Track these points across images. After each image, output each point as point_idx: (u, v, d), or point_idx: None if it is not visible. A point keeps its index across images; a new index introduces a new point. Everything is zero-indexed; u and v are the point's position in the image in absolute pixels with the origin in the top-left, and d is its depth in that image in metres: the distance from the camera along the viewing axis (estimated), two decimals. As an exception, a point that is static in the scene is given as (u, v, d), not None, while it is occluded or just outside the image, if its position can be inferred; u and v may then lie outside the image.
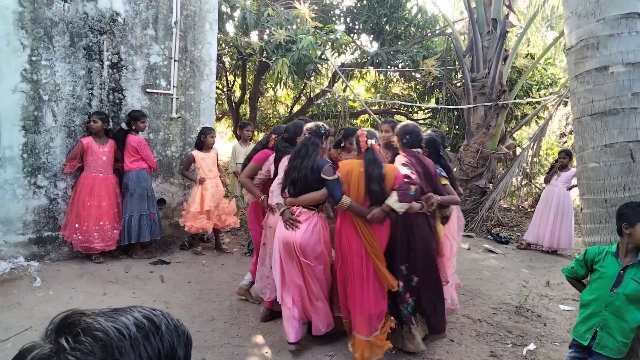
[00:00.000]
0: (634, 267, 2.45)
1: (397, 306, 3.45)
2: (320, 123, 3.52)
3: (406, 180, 3.15)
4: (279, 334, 3.65)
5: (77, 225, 4.90)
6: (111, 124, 5.26)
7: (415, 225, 3.40)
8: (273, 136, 3.95)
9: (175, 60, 5.69)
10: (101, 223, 4.99)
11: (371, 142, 3.25)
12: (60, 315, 0.67)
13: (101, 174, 5.05)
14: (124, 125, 5.22)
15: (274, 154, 3.83)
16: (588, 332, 2.58)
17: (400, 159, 3.44)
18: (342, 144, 4.56)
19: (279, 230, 3.41)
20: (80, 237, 4.90)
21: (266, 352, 3.41)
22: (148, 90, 5.56)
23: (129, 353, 0.63)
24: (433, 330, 3.54)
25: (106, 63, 5.23)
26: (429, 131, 4.16)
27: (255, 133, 11.10)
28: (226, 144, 13.38)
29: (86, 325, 0.64)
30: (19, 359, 0.64)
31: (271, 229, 3.71)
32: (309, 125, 3.48)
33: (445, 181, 3.72)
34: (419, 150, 3.60)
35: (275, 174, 3.72)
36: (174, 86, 5.72)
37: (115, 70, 5.31)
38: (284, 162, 3.55)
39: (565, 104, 8.68)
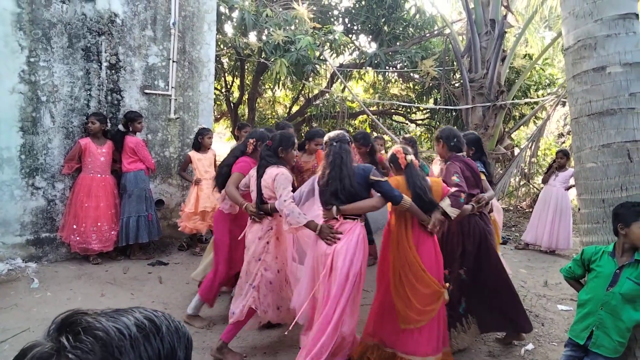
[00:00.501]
0: (630, 266, 2.46)
1: (452, 307, 3.43)
2: (340, 131, 3.34)
3: (456, 189, 3.19)
4: (277, 336, 3.65)
5: (75, 226, 4.90)
6: (109, 125, 5.26)
7: (470, 228, 3.49)
8: (251, 140, 3.65)
9: (173, 61, 5.69)
10: (99, 224, 4.99)
11: (410, 157, 3.21)
12: (62, 314, 0.68)
13: (99, 175, 5.05)
14: (121, 126, 5.22)
15: (256, 165, 3.40)
16: (584, 331, 2.58)
17: (451, 166, 3.39)
18: (306, 146, 4.57)
19: (318, 248, 3.08)
20: (78, 238, 4.90)
21: (264, 353, 3.41)
22: (146, 91, 5.56)
23: (128, 353, 0.63)
24: (521, 328, 3.66)
25: (104, 64, 5.23)
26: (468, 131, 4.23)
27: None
28: (225, 145, 13.37)
29: (87, 324, 0.64)
30: (20, 357, 0.64)
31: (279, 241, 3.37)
32: (333, 134, 3.22)
33: (483, 177, 3.78)
34: (464, 153, 3.63)
35: (259, 187, 3.28)
36: (172, 87, 5.72)
37: (113, 71, 5.30)
38: (275, 175, 3.15)
39: (563, 104, 8.69)
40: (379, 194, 3.07)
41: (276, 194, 3.11)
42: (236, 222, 3.72)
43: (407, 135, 6.12)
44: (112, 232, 5.11)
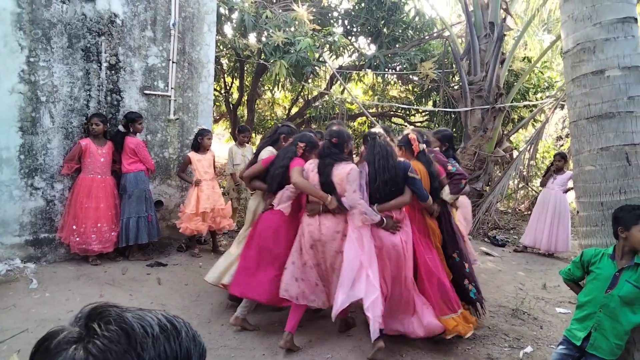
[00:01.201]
0: (630, 269, 2.47)
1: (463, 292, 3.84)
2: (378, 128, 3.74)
3: (458, 175, 3.85)
4: (276, 337, 3.65)
5: (74, 227, 4.89)
6: (109, 125, 5.25)
7: (446, 215, 3.88)
8: (301, 144, 3.64)
9: (173, 62, 5.70)
10: (99, 225, 4.98)
11: (422, 146, 3.62)
12: (90, 305, 0.71)
13: (99, 176, 5.04)
14: (121, 127, 5.21)
15: (317, 161, 3.47)
16: (582, 332, 2.60)
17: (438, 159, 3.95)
18: (283, 141, 4.64)
19: (385, 239, 3.32)
20: (77, 239, 4.89)
21: (263, 354, 3.41)
22: (146, 91, 5.56)
23: (149, 350, 0.66)
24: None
25: (104, 64, 5.23)
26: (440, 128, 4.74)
27: (253, 135, 11.09)
28: (224, 146, 13.37)
29: (116, 316, 0.68)
30: (44, 341, 0.67)
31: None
32: (377, 129, 3.62)
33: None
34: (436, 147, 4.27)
35: (326, 183, 3.37)
36: (171, 88, 5.72)
37: (113, 71, 5.31)
38: (349, 170, 3.29)
39: (562, 107, 8.72)
40: (409, 191, 3.41)
41: (347, 190, 3.27)
42: (292, 222, 3.67)
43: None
44: (112, 233, 5.10)
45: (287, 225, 3.65)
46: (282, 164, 3.67)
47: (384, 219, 3.30)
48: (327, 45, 8.12)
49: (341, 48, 8.78)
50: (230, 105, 11.68)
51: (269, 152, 4.14)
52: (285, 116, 12.34)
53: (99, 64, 5.19)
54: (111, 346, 0.63)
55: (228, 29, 8.39)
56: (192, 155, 5.51)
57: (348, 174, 3.27)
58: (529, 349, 3.75)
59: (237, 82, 11.38)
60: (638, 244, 2.43)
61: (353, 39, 10.15)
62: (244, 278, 3.66)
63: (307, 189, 3.41)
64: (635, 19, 2.65)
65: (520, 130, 10.91)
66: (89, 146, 4.96)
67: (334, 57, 9.26)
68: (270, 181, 3.73)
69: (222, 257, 4.18)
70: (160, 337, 0.68)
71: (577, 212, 2.93)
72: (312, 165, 3.49)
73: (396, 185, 3.36)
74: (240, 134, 6.72)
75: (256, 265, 3.65)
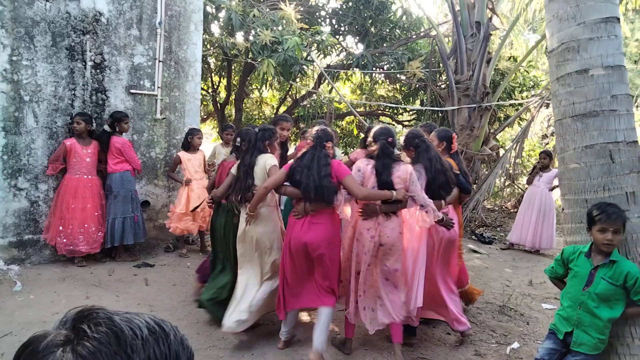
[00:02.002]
0: (605, 266, 2.50)
1: None
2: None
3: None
4: (264, 337, 3.64)
5: (61, 228, 4.82)
6: (94, 125, 5.19)
7: None
8: (329, 144, 3.39)
9: (159, 61, 5.64)
10: (86, 225, 4.92)
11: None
12: (77, 308, 0.70)
13: (85, 176, 4.98)
14: (107, 126, 5.15)
15: (371, 161, 3.33)
16: (565, 327, 2.64)
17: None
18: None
19: (444, 234, 3.59)
20: (64, 240, 4.82)
21: (252, 354, 3.40)
22: (132, 91, 5.50)
23: (139, 352, 0.65)
24: None
25: (89, 63, 5.16)
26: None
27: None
28: (211, 145, 13.27)
29: (105, 318, 0.67)
30: (27, 346, 0.65)
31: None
32: (415, 132, 3.71)
33: None
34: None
35: (386, 183, 3.26)
36: (158, 87, 5.67)
37: (98, 70, 5.24)
38: (411, 171, 3.28)
39: (547, 105, 8.83)
40: (457, 187, 3.76)
41: (412, 190, 3.25)
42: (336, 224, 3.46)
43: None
44: (99, 234, 5.04)
45: (337, 229, 3.44)
46: (325, 172, 3.23)
47: (444, 216, 3.44)
48: (315, 44, 8.11)
49: (329, 47, 8.77)
50: (218, 104, 11.61)
51: (273, 158, 3.64)
52: (273, 115, 12.31)
53: (83, 63, 5.12)
54: (101, 348, 0.62)
55: (215, 28, 8.34)
56: (182, 154, 5.48)
57: (411, 174, 3.24)
58: (515, 345, 3.79)
59: (224, 81, 11.32)
60: (599, 244, 2.49)
61: (341, 38, 10.16)
62: (293, 295, 3.40)
63: (374, 196, 3.23)
64: (618, 19, 2.69)
65: (507, 128, 11.03)
66: (74, 146, 4.90)
67: (321, 56, 9.26)
68: (320, 192, 3.21)
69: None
70: (149, 339, 0.67)
71: (563, 209, 2.97)
72: (368, 166, 3.31)
73: (446, 185, 3.56)
74: (224, 131, 6.69)
75: (305, 278, 3.40)
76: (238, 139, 3.76)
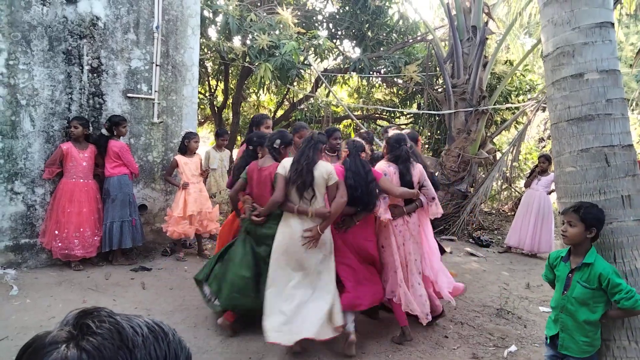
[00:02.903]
0: (580, 270, 2.50)
1: None
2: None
3: None
4: (262, 341, 3.63)
5: (57, 232, 4.81)
6: (91, 129, 5.19)
7: None
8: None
9: (156, 65, 5.65)
10: (82, 229, 4.91)
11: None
12: (79, 308, 0.72)
13: (81, 180, 4.98)
14: (104, 130, 5.15)
15: (393, 165, 3.77)
16: (551, 331, 2.66)
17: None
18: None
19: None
20: (60, 244, 4.81)
21: (249, 358, 3.39)
22: (129, 95, 5.50)
23: (141, 348, 0.67)
24: None
25: (86, 67, 5.16)
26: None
27: (238, 138, 11.05)
28: (203, 149, 13.27)
29: (107, 315, 0.69)
30: (30, 345, 0.66)
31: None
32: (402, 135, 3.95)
33: None
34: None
35: (409, 183, 3.76)
36: (155, 91, 5.68)
37: (95, 74, 5.24)
38: (420, 169, 3.84)
39: (544, 109, 8.85)
40: None
41: (426, 185, 3.80)
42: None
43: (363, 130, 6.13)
44: (95, 238, 5.03)
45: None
46: (369, 178, 3.52)
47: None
48: (312, 49, 8.14)
49: (326, 51, 8.80)
50: (215, 108, 11.62)
51: (333, 170, 3.56)
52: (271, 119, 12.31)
53: (80, 67, 5.13)
54: (105, 343, 0.64)
55: (212, 32, 8.36)
56: (179, 158, 5.48)
57: (423, 173, 3.79)
58: (513, 348, 3.80)
59: (222, 85, 11.33)
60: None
61: (338, 42, 10.20)
62: (355, 292, 3.54)
63: (407, 194, 3.72)
64: (612, 24, 2.71)
65: (503, 132, 11.07)
66: (70, 150, 4.89)
67: (318, 60, 9.29)
68: (364, 199, 3.51)
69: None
70: (149, 337, 0.69)
71: (559, 212, 2.98)
72: (390, 168, 3.72)
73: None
74: (219, 137, 6.69)
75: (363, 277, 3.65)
76: (278, 141, 3.64)
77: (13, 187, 4.80)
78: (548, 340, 2.70)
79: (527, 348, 3.85)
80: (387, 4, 9.42)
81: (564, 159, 2.80)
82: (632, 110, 11.81)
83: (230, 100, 11.04)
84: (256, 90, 11.37)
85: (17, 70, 4.71)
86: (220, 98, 11.76)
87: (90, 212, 5.01)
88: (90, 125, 5.17)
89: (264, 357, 3.40)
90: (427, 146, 10.77)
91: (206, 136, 15.99)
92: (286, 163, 3.42)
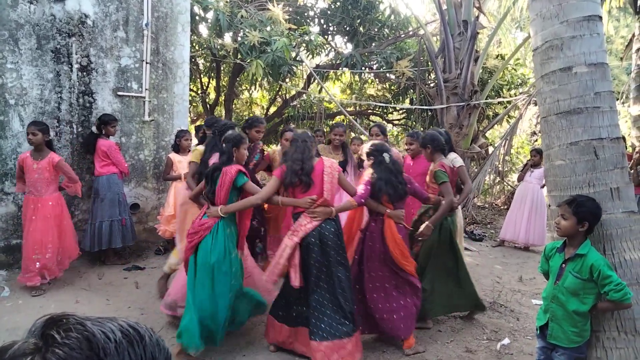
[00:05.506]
0: (573, 260, 2.53)
1: None
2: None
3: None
4: (257, 339, 3.64)
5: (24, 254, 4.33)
6: (81, 128, 5.15)
7: None
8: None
9: (147, 63, 5.61)
10: (40, 251, 4.28)
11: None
12: (46, 315, 0.68)
13: (33, 196, 4.33)
14: (94, 128, 5.11)
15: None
16: (540, 321, 2.71)
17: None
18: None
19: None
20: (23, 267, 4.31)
21: (244, 356, 3.39)
22: (119, 93, 5.47)
23: (113, 356, 0.64)
24: None
25: (75, 66, 5.12)
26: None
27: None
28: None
29: (75, 323, 0.65)
30: None
31: None
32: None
33: None
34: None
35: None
36: (146, 89, 5.64)
37: (85, 73, 5.20)
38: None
39: (535, 103, 8.89)
40: None
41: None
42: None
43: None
44: (59, 257, 4.44)
45: None
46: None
47: None
48: (304, 45, 8.11)
49: (318, 47, 8.78)
50: (208, 105, 11.57)
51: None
52: (263, 116, 12.29)
53: (69, 66, 5.08)
54: (72, 354, 0.61)
55: (203, 29, 8.31)
56: (173, 156, 5.44)
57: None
58: (506, 341, 3.82)
59: (213, 82, 11.28)
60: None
61: (329, 38, 10.17)
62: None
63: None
64: (600, 17, 2.72)
65: (495, 126, 11.11)
66: (25, 160, 4.28)
67: (310, 56, 9.26)
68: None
69: None
70: (123, 342, 0.66)
71: (549, 205, 3.00)
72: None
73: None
74: (179, 138, 6.61)
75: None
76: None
77: (3, 187, 4.75)
78: (538, 331, 2.74)
79: (520, 341, 3.88)
80: (378, -1, 9.41)
81: (553, 152, 2.81)
82: (623, 103, 11.89)
83: (222, 98, 10.99)
84: (248, 87, 11.34)
85: (4, 69, 4.66)
86: (212, 95, 11.71)
87: (44, 232, 4.28)
88: (81, 124, 5.11)
89: (258, 353, 3.41)
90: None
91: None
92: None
